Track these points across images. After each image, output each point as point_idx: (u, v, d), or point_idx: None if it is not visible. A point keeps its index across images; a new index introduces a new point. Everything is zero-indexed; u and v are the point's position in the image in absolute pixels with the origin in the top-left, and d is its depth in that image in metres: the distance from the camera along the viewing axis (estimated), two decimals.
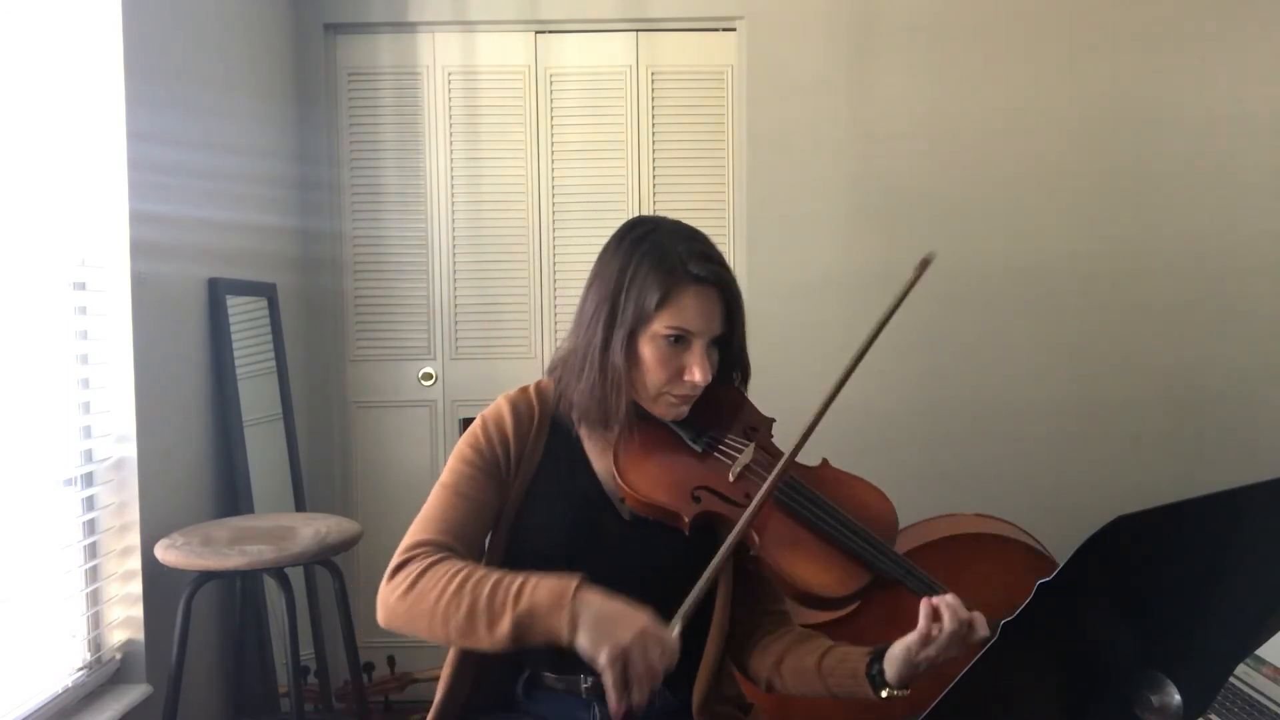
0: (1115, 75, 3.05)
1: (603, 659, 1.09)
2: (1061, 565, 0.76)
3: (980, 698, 0.83)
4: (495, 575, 1.19)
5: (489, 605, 1.16)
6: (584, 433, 1.38)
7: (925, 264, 1.24)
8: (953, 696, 0.81)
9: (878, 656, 1.22)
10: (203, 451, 2.45)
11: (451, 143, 3.16)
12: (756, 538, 1.25)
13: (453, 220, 3.18)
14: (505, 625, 1.14)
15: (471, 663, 1.36)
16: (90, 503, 2.08)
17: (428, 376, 3.20)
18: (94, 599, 2.08)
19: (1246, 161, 3.04)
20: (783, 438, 1.36)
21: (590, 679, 1.36)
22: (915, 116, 3.06)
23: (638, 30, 3.14)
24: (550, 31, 3.15)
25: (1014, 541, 2.05)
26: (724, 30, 3.14)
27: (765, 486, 1.22)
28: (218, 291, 2.50)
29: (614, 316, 1.28)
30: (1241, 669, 1.42)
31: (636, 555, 1.33)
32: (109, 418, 2.11)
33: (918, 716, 0.84)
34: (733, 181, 3.15)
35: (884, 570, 1.26)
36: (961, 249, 3.04)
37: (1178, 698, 0.84)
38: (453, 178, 3.17)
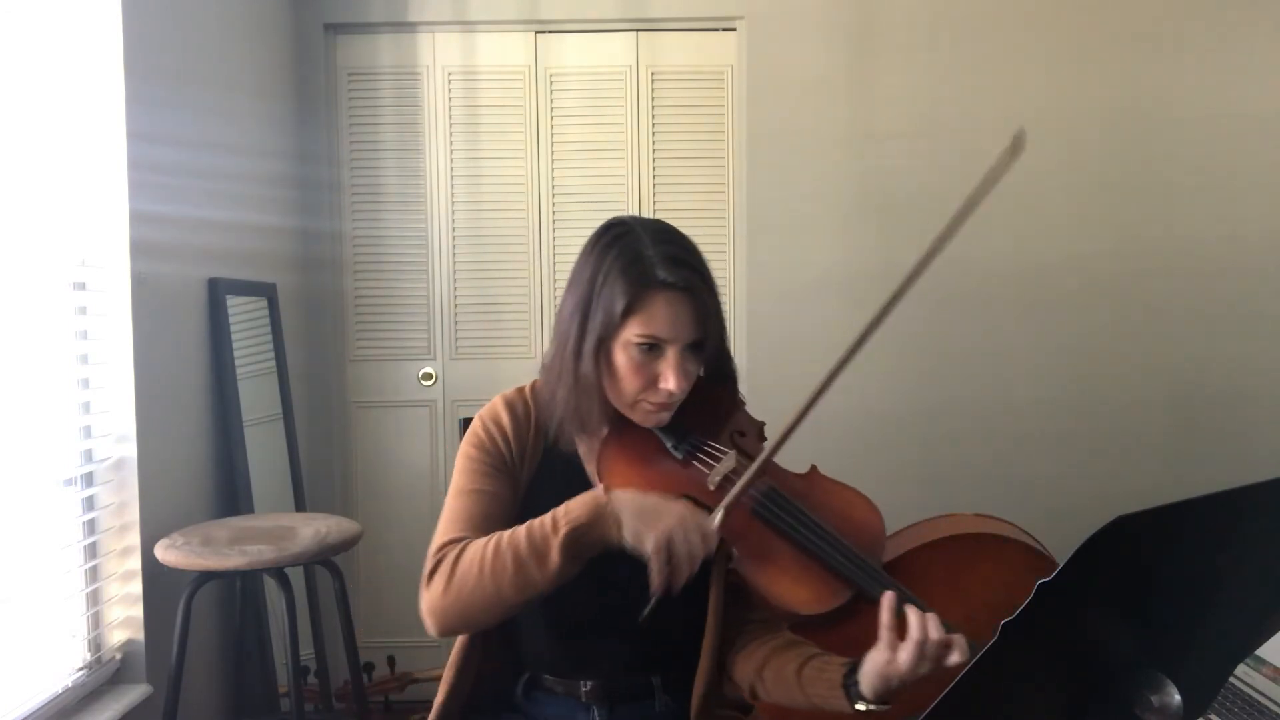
0: (1116, 76, 3.05)
1: (649, 545, 1.13)
2: (1061, 565, 0.76)
3: (980, 698, 0.83)
4: (524, 525, 1.21)
5: (531, 547, 1.18)
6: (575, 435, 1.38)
7: (1018, 143, 1.14)
8: (953, 696, 0.81)
9: (855, 668, 1.18)
10: (203, 451, 2.45)
11: (451, 143, 3.16)
12: (735, 550, 1.22)
13: (453, 220, 3.18)
14: (555, 555, 1.17)
15: (473, 663, 1.36)
16: (90, 503, 2.08)
17: (428, 376, 3.20)
18: (94, 599, 2.08)
19: (1247, 162, 3.04)
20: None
21: (590, 683, 1.36)
22: (915, 116, 3.06)
23: (638, 30, 3.14)
24: (550, 31, 3.15)
25: (1014, 541, 2.05)
26: (724, 30, 3.14)
27: (733, 492, 1.19)
28: (218, 291, 2.50)
29: (585, 323, 1.26)
30: (1241, 669, 1.42)
31: (631, 555, 1.33)
32: (109, 418, 2.11)
33: (918, 717, 0.84)
34: (733, 181, 3.15)
35: (864, 587, 1.21)
36: (961, 249, 3.00)
37: (1178, 698, 0.84)
38: (453, 178, 3.17)
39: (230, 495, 2.53)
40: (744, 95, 3.09)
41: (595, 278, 1.26)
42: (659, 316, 1.23)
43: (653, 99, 3.14)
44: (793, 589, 1.21)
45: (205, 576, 2.01)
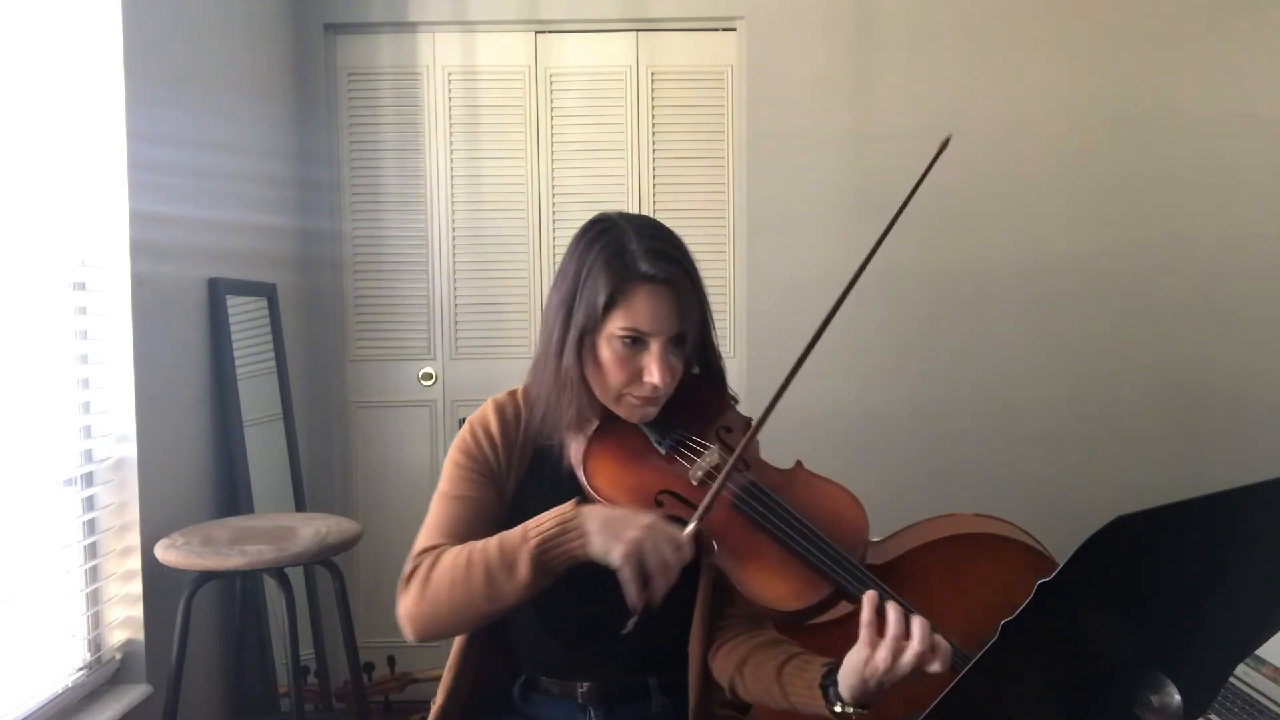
0: (1117, 76, 3.05)
1: (617, 557, 1.11)
2: (1061, 565, 0.75)
3: (980, 698, 0.83)
4: (496, 536, 1.21)
5: (501, 559, 1.18)
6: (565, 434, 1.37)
7: (944, 145, 1.18)
8: (953, 696, 0.81)
9: (834, 669, 1.14)
10: (203, 451, 2.45)
11: (451, 143, 3.16)
12: (715, 545, 1.21)
13: (453, 220, 3.18)
14: (524, 568, 1.16)
15: (470, 665, 1.36)
16: (90, 503, 2.08)
17: (428, 376, 3.20)
18: (94, 599, 2.08)
19: (1247, 162, 3.04)
20: (767, 437, 1.32)
21: (587, 684, 1.36)
22: (915, 116, 3.06)
23: (638, 30, 3.14)
24: (550, 31, 3.15)
25: (1014, 541, 2.05)
26: (724, 30, 3.14)
27: (707, 498, 1.18)
28: (218, 291, 2.50)
29: (569, 318, 1.26)
30: (1241, 669, 1.42)
31: None
32: (109, 418, 2.11)
33: (917, 717, 0.84)
34: (733, 181, 3.15)
35: (844, 584, 1.17)
36: (961, 249, 3.04)
37: (1178, 698, 0.84)
38: (453, 178, 3.17)
39: (230, 495, 2.53)
40: (744, 95, 3.09)
41: (580, 272, 1.26)
42: (641, 309, 1.22)
43: (653, 99, 3.15)
44: (770, 584, 1.19)
45: (205, 576, 2.01)
